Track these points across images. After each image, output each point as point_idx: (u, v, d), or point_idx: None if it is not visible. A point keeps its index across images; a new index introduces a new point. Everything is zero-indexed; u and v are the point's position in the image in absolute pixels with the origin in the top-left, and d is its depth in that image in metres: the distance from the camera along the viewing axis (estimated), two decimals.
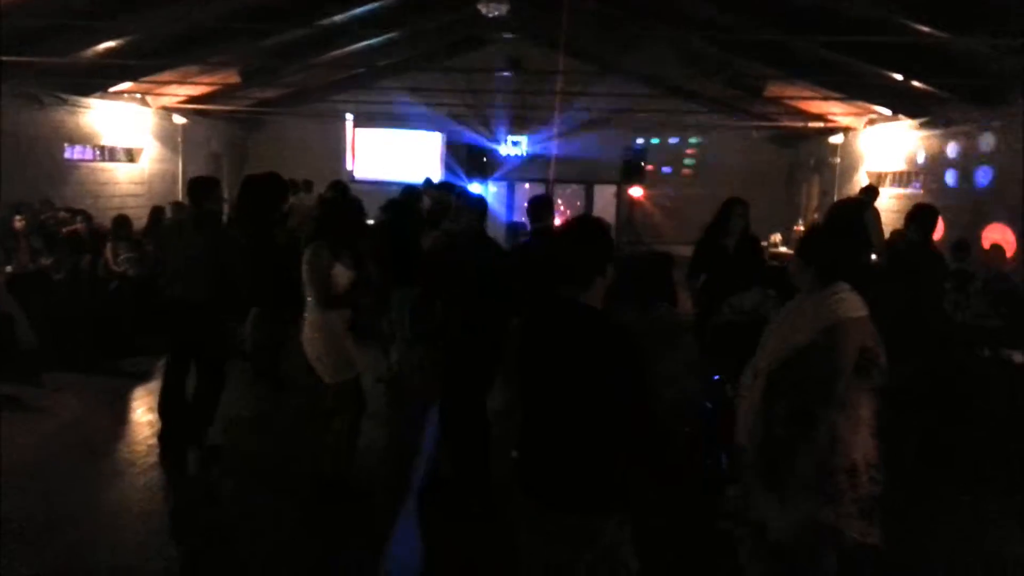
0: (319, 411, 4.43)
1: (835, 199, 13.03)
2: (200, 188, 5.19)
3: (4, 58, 8.31)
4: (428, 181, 9.70)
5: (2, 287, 6.59)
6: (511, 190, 14.58)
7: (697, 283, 5.56)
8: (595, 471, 2.37)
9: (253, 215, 5.80)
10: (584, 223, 2.58)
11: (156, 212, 9.17)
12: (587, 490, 2.37)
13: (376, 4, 10.78)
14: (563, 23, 9.21)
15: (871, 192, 8.67)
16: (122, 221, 7.92)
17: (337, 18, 10.67)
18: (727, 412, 3.71)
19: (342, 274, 4.21)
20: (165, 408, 5.11)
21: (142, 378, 6.68)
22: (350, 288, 4.23)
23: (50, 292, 6.81)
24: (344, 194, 7.69)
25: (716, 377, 4.62)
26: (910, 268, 5.24)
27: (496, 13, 10.51)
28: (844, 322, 2.85)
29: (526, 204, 5.40)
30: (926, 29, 7.25)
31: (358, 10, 10.58)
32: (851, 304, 2.89)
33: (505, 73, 13.87)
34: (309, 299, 4.24)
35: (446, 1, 11.67)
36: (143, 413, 6.01)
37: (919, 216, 5.37)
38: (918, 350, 4.80)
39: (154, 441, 5.26)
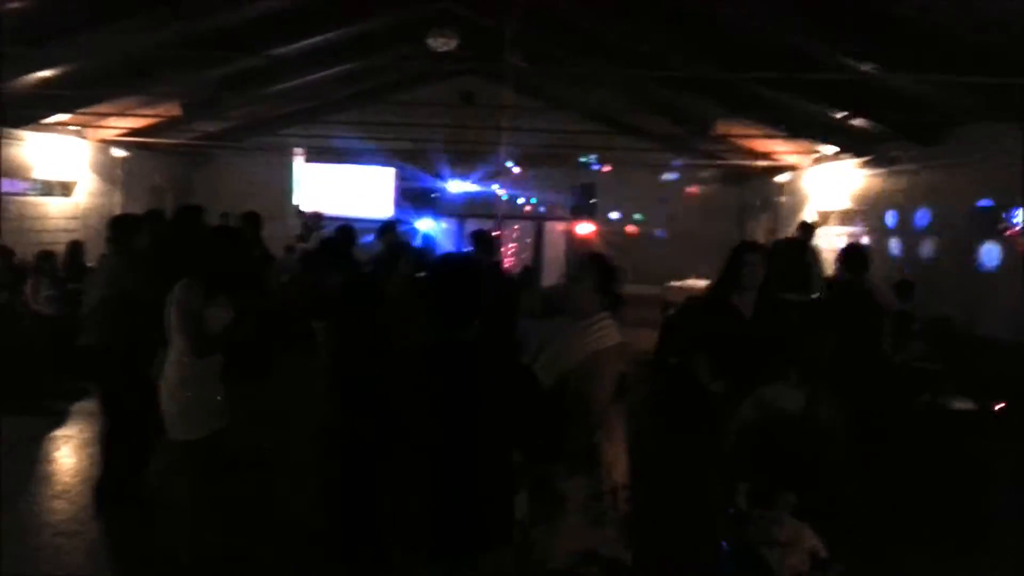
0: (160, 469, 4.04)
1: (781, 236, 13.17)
2: (124, 226, 4.94)
3: None
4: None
5: None
6: (460, 227, 14.43)
7: (708, 376, 4.06)
8: (497, 505, 2.39)
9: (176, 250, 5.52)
10: (455, 263, 2.64)
11: (74, 246, 8.75)
12: (491, 525, 2.37)
13: (324, 36, 10.66)
14: (507, 57, 9.15)
15: (807, 229, 8.73)
16: (46, 256, 7.55)
17: (284, 50, 10.52)
18: None
19: (216, 316, 3.81)
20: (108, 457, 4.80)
21: (56, 421, 6.31)
22: (224, 331, 3.83)
23: None
24: (255, 226, 7.34)
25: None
26: (843, 308, 5.17)
27: (445, 48, 10.45)
28: (604, 351, 2.99)
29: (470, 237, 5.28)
30: (869, 67, 7.33)
31: (306, 42, 10.43)
32: (609, 333, 3.03)
33: (453, 106, 13.82)
34: (174, 343, 3.84)
35: (396, 35, 11.61)
36: (57, 458, 5.65)
37: (849, 256, 5.34)
38: (852, 393, 4.69)
39: (71, 488, 4.92)
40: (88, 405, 6.41)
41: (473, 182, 14.67)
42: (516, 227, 14.85)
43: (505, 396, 2.35)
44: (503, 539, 2.40)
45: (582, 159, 13.91)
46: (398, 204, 15.38)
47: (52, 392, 6.57)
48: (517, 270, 12.58)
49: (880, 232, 9.70)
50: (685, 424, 4.40)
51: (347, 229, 6.64)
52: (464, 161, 14.77)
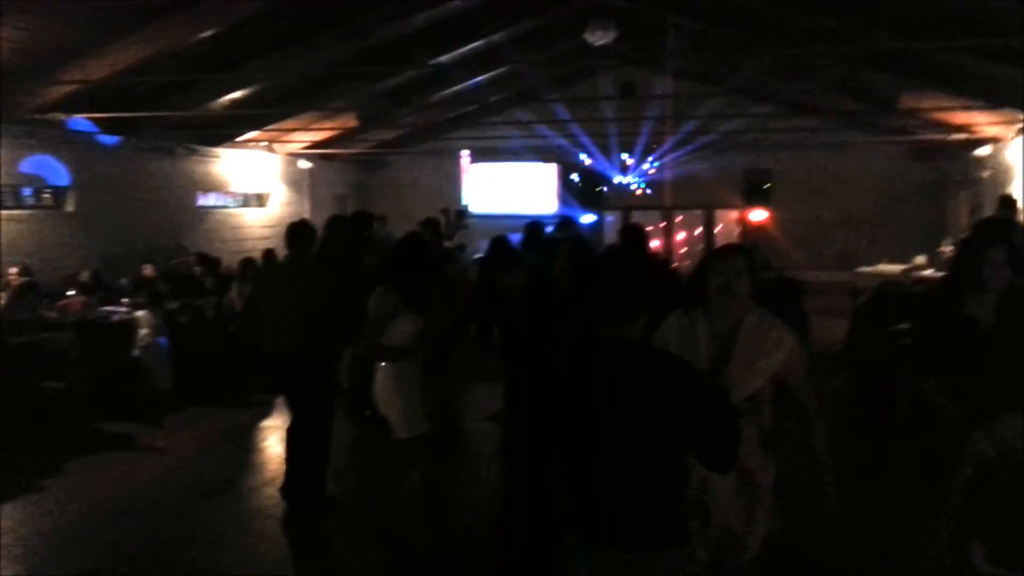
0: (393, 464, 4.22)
1: (983, 216, 11.97)
2: (299, 235, 5.18)
3: (136, 114, 8.92)
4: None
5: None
6: (626, 219, 14.25)
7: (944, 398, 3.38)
8: (667, 507, 2.34)
9: (337, 253, 5.80)
10: (621, 258, 2.51)
11: (268, 254, 9.43)
12: (662, 526, 2.34)
13: (483, 41, 10.89)
14: (669, 46, 8.91)
15: (1009, 205, 7.83)
16: (249, 263, 8.22)
17: (447, 57, 10.85)
18: None
19: (408, 322, 3.95)
20: (291, 459, 5.10)
21: (257, 418, 6.85)
22: (416, 336, 3.97)
23: (174, 335, 7.13)
24: (435, 231, 7.51)
25: None
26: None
27: (603, 41, 10.34)
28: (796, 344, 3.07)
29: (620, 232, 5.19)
30: None
31: (466, 48, 10.71)
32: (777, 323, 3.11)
33: (615, 99, 13.67)
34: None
35: (553, 32, 11.65)
36: (256, 454, 6.14)
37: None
38: None
39: (262, 485, 5.33)
40: None
41: (639, 174, 14.45)
42: (686, 217, 14.47)
43: (685, 402, 2.28)
44: (677, 540, 2.35)
45: None
46: (563, 199, 15.44)
47: (258, 387, 7.14)
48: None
49: None
50: (903, 438, 4.04)
51: (535, 225, 6.68)
52: (629, 152, 14.59)
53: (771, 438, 3.17)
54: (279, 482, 5.17)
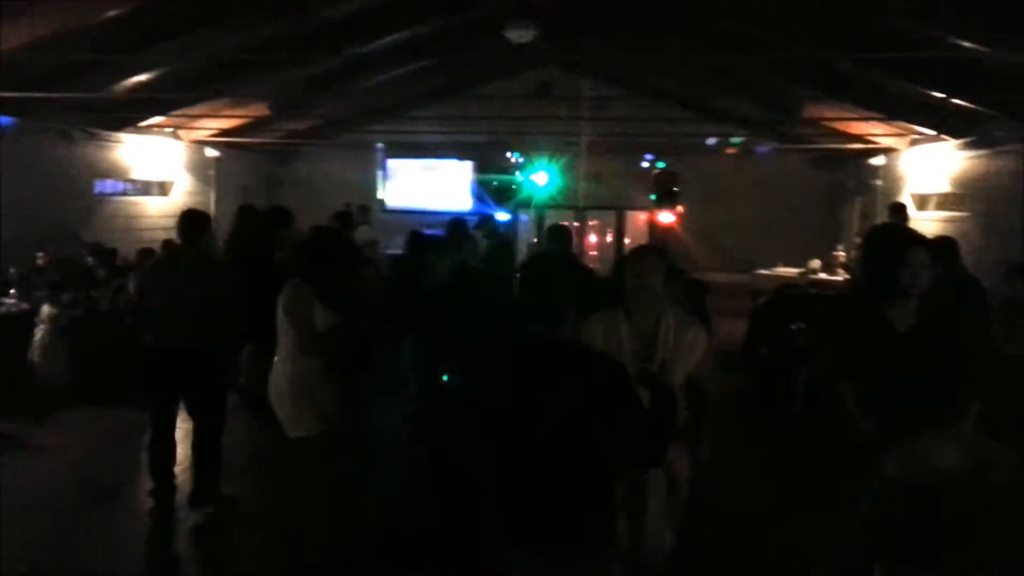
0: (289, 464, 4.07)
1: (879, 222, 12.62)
2: (193, 223, 5.01)
3: (32, 95, 8.41)
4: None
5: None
6: (540, 219, 14.37)
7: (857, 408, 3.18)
8: (599, 505, 2.36)
9: (244, 244, 5.64)
10: (552, 258, 2.55)
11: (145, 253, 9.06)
12: (593, 524, 2.35)
13: (404, 34, 10.76)
14: (588, 47, 9.02)
15: (899, 211, 8.36)
16: (147, 254, 7.87)
17: (365, 49, 10.67)
18: None
19: (322, 318, 3.84)
20: (158, 465, 4.90)
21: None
22: (328, 335, 3.86)
23: (67, 329, 6.76)
24: (346, 225, 7.38)
25: None
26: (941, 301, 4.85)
27: (523, 39, 10.38)
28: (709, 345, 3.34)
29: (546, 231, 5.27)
30: (968, 44, 6.93)
31: (386, 40, 10.56)
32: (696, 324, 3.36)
33: (531, 98, 13.74)
34: (281, 343, 3.90)
35: (475, 28, 11.63)
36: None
37: (938, 248, 5.03)
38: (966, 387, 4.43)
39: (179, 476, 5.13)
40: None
41: (553, 173, 14.56)
42: (599, 218, 14.68)
43: (616, 400, 2.29)
44: (607, 538, 2.39)
45: (734, 140, 13.36)
46: (477, 197, 15.43)
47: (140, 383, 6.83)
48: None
49: (983, 215, 9.18)
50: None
51: (458, 222, 6.62)
52: (544, 152, 14.69)
53: (686, 432, 3.27)
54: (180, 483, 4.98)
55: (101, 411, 6.60)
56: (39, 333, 6.62)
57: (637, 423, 2.34)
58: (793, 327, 7.13)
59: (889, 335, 3.13)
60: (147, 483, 5.06)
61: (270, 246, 6.07)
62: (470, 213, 15.23)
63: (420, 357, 5.75)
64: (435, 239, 6.57)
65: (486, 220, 8.31)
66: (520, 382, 2.35)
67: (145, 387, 4.95)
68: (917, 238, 3.26)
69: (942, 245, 5.10)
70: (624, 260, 3.46)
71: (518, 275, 2.99)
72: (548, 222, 14.16)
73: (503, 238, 6.53)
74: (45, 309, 6.70)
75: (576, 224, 13.39)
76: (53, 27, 7.43)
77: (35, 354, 6.57)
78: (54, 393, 6.58)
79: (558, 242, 5.15)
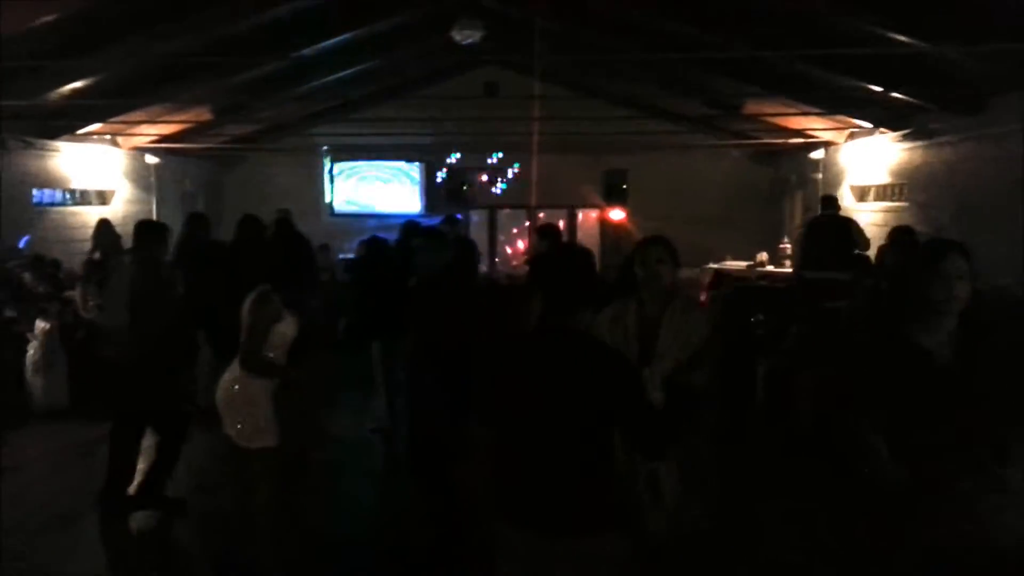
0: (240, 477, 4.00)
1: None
2: (148, 233, 4.90)
3: None
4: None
5: None
6: (492, 218, 14.41)
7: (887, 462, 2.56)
8: (600, 491, 2.39)
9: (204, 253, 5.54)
10: (571, 252, 2.67)
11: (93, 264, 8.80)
12: (594, 510, 2.38)
13: (348, 35, 10.66)
14: (537, 48, 9.08)
15: (832, 203, 8.70)
16: (93, 265, 7.64)
17: (309, 50, 10.53)
18: None
19: (289, 325, 3.75)
20: (117, 478, 4.80)
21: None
22: (293, 344, 3.77)
23: (15, 346, 6.51)
24: (287, 228, 7.24)
25: None
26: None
27: (470, 40, 10.38)
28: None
29: (537, 231, 5.35)
30: (903, 39, 7.18)
31: (330, 41, 10.44)
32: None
33: (479, 98, 13.76)
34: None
35: (421, 29, 11.58)
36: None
37: (898, 238, 5.22)
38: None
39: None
40: None
41: (502, 173, 14.62)
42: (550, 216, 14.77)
43: (617, 390, 2.37)
44: (610, 524, 2.41)
45: None
46: (427, 199, 15.38)
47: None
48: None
49: (921, 205, 9.52)
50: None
51: (412, 226, 6.58)
52: (494, 153, 14.73)
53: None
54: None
55: (54, 428, 6.39)
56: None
57: (637, 414, 2.41)
58: (752, 319, 7.29)
59: (924, 367, 2.56)
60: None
61: (224, 251, 5.97)
62: (419, 215, 15.21)
63: (395, 360, 5.72)
64: (385, 245, 6.54)
65: (453, 221, 8.29)
66: (524, 369, 2.43)
67: (105, 400, 4.82)
68: (953, 244, 2.66)
69: (897, 236, 5.25)
70: (634, 250, 3.59)
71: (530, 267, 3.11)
72: (500, 221, 14.29)
73: (467, 240, 6.54)
74: None
75: (528, 222, 13.45)
76: None
77: None
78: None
79: (551, 239, 5.18)
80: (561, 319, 2.45)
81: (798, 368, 5.75)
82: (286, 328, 3.71)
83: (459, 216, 9.74)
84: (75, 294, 7.27)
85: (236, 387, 3.76)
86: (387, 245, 6.61)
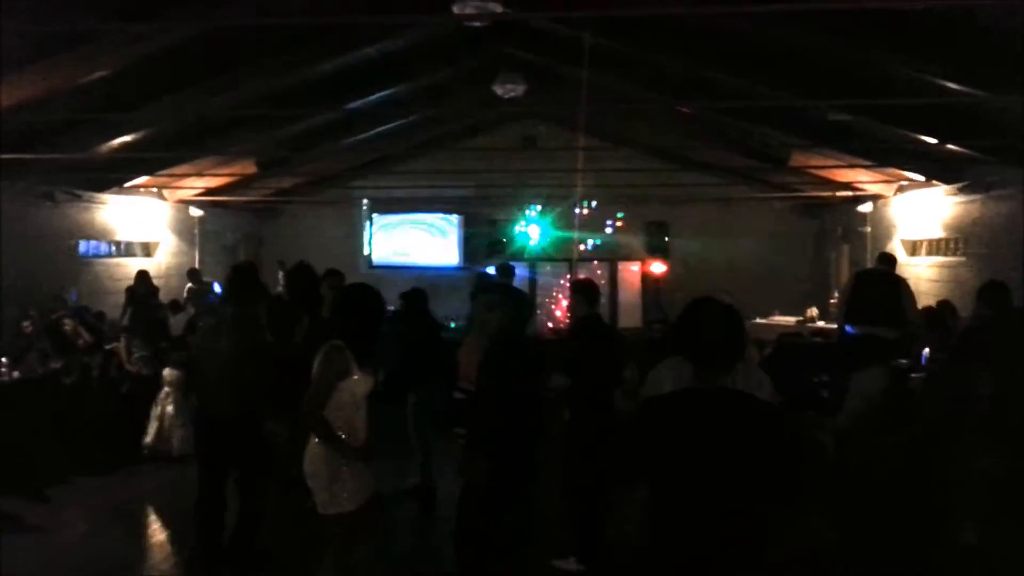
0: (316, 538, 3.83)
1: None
2: (245, 280, 4.75)
3: (20, 155, 8.21)
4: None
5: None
6: (532, 271, 14.27)
7: None
8: (755, 549, 2.36)
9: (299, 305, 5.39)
10: (720, 309, 2.56)
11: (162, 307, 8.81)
12: (747, 569, 2.36)
13: (393, 90, 10.76)
14: (582, 100, 9.04)
15: (889, 261, 8.33)
16: (137, 317, 7.63)
17: (357, 104, 10.64)
18: None
19: (360, 383, 3.58)
20: (205, 527, 4.66)
21: (158, 489, 6.30)
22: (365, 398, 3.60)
23: (60, 397, 6.45)
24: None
25: None
26: (996, 345, 4.74)
27: (512, 94, 10.41)
28: None
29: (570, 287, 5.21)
30: (956, 87, 6.96)
31: (376, 96, 10.54)
32: None
33: (517, 151, 13.80)
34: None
35: (460, 84, 11.67)
36: (157, 531, 5.59)
37: (991, 291, 4.96)
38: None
39: (171, 563, 4.83)
40: None
41: (543, 226, 14.54)
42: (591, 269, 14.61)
43: (785, 454, 2.40)
44: None
45: None
46: (466, 252, 15.33)
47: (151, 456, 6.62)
48: None
49: (980, 259, 9.20)
50: None
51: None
52: (533, 205, 14.69)
53: None
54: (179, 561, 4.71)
55: (93, 483, 6.26)
56: None
57: (798, 475, 2.48)
58: (816, 379, 7.00)
59: None
60: (157, 555, 4.74)
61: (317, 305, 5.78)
62: (457, 268, 15.16)
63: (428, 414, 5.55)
64: (423, 298, 6.39)
65: (508, 271, 8.12)
66: (695, 431, 2.38)
67: (195, 453, 4.73)
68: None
69: (989, 288, 5.01)
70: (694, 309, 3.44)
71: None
72: (540, 275, 14.15)
73: (522, 295, 6.42)
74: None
75: (568, 276, 13.30)
76: (39, 89, 7.29)
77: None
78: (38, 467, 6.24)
79: (584, 299, 4.99)
80: (715, 379, 2.42)
81: (867, 431, 5.45)
82: (355, 386, 3.55)
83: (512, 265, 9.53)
84: (119, 346, 7.22)
85: (310, 452, 3.62)
86: (427, 297, 6.48)
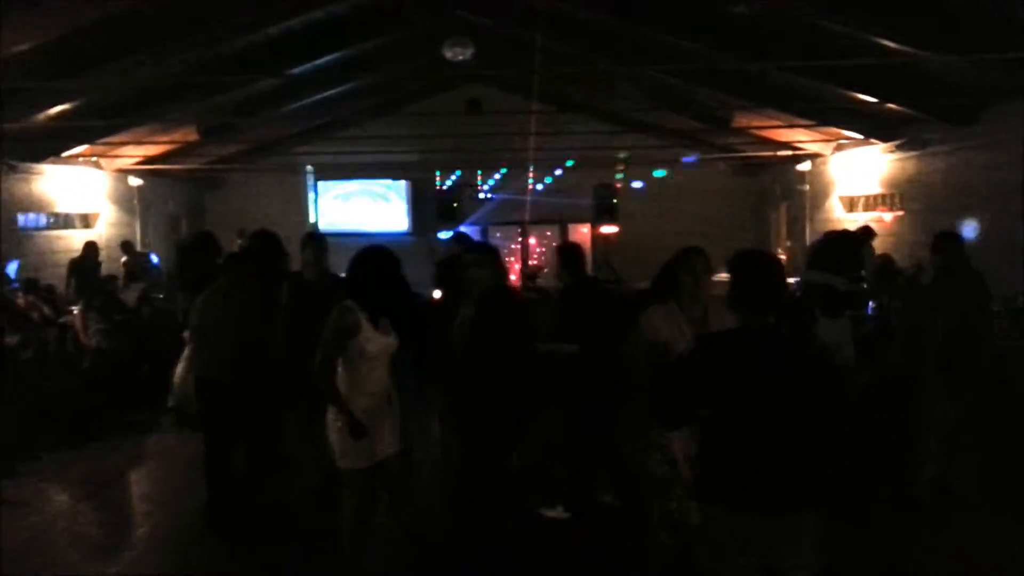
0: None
1: (807, 225, 13.10)
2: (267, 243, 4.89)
3: None
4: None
5: None
6: (484, 235, 14.32)
7: None
8: (802, 471, 2.68)
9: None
10: (766, 259, 3.01)
11: (110, 279, 8.62)
12: (798, 489, 2.68)
13: (336, 55, 10.58)
14: (534, 62, 9.06)
15: (868, 232, 8.67)
16: (95, 290, 7.46)
17: (299, 69, 10.43)
18: None
19: (374, 341, 3.62)
20: (215, 483, 4.78)
21: (130, 461, 6.25)
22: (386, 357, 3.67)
23: (16, 373, 6.28)
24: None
25: None
26: (949, 294, 5.01)
27: (461, 57, 10.35)
28: None
29: (557, 252, 5.37)
30: (894, 45, 7.20)
31: (319, 61, 10.35)
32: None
33: (462, 115, 13.73)
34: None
35: (406, 49, 11.54)
36: (139, 500, 5.57)
37: (945, 240, 5.24)
38: (972, 381, 4.63)
39: (153, 526, 4.85)
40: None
41: (494, 190, 14.58)
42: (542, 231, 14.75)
43: (819, 381, 2.72)
44: (806, 502, 2.70)
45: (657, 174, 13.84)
46: (415, 216, 15.28)
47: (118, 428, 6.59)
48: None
49: (917, 213, 9.63)
50: None
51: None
52: (483, 169, 14.70)
53: None
54: (177, 528, 4.75)
55: (64, 457, 6.16)
56: None
57: (836, 399, 2.75)
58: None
59: None
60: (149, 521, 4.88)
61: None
62: (406, 234, 15.10)
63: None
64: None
65: (463, 238, 8.15)
66: (742, 364, 2.70)
67: (201, 417, 4.84)
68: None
69: (944, 238, 5.28)
70: (678, 258, 4.06)
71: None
72: (492, 238, 14.21)
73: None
74: None
75: (521, 239, 13.41)
76: None
77: None
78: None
79: (569, 263, 5.10)
80: (760, 321, 2.76)
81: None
82: (367, 344, 3.58)
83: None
84: (73, 319, 7.06)
85: (329, 407, 3.69)
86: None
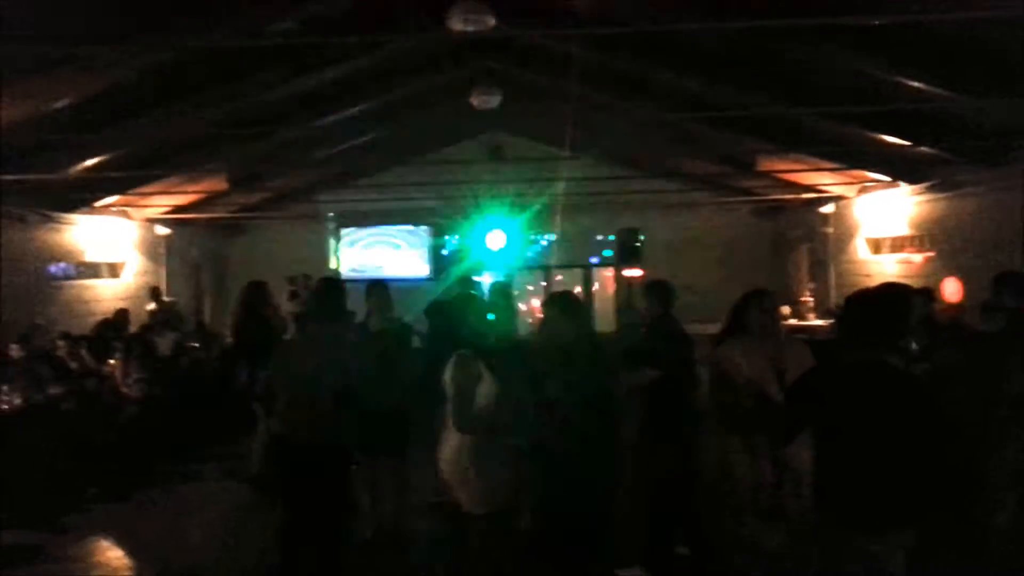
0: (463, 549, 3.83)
1: (831, 267, 13.06)
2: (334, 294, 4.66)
3: None
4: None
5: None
6: (509, 279, 14.30)
7: None
8: (912, 492, 2.91)
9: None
10: (894, 291, 3.44)
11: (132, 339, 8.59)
12: (903, 510, 2.92)
13: (366, 104, 10.72)
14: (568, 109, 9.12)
15: (927, 297, 8.48)
16: (134, 339, 7.45)
17: (328, 120, 10.57)
18: None
19: (490, 390, 3.65)
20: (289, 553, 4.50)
21: (177, 512, 6.17)
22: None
23: (62, 424, 6.24)
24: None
25: None
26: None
27: (488, 105, 10.46)
28: None
29: (643, 287, 5.50)
30: (920, 86, 7.17)
31: (352, 110, 10.50)
32: None
33: (485, 161, 13.85)
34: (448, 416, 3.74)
35: (431, 97, 11.67)
36: (193, 546, 5.50)
37: (1009, 283, 5.19)
38: None
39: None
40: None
41: (513, 235, 14.60)
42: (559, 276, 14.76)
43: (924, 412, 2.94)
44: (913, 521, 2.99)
45: None
46: (435, 262, 15.32)
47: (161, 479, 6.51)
48: None
49: (948, 255, 9.59)
50: None
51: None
52: (504, 214, 14.74)
53: None
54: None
55: (110, 508, 6.09)
56: None
57: (946, 433, 2.99)
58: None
59: None
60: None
61: None
62: (427, 279, 15.11)
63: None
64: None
65: (469, 283, 8.18)
66: (858, 396, 2.95)
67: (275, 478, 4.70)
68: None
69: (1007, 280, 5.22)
70: (750, 298, 4.38)
71: None
72: (517, 282, 14.21)
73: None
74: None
75: (544, 283, 13.41)
76: (10, 115, 7.06)
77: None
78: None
79: (657, 300, 5.13)
80: (871, 353, 2.98)
81: None
82: (486, 392, 3.64)
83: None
84: (113, 369, 7.04)
85: (457, 449, 3.67)
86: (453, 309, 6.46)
